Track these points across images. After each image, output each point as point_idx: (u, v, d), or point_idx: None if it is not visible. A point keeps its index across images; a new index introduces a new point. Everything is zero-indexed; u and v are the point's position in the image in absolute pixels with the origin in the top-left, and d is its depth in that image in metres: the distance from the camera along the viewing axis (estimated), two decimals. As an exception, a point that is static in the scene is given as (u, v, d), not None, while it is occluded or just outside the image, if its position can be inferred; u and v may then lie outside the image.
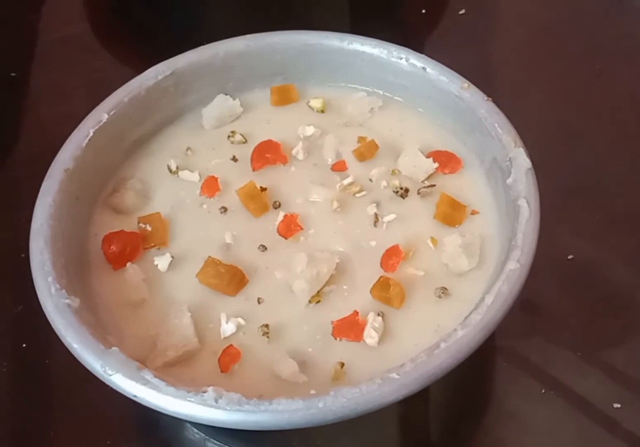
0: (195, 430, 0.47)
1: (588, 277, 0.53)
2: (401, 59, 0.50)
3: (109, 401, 0.38)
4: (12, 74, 0.68)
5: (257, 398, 0.36)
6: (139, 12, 0.74)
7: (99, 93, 0.52)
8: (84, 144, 0.46)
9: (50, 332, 0.39)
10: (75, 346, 0.38)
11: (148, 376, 0.37)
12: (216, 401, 0.36)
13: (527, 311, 0.50)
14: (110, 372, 0.37)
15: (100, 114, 0.47)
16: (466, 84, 0.48)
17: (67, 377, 0.46)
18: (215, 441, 0.46)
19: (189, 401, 0.36)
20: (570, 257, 0.53)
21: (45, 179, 0.44)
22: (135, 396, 0.36)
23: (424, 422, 0.49)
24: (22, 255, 0.52)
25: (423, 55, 0.50)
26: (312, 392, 0.37)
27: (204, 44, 0.51)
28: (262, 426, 0.36)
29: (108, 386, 0.37)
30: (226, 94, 0.52)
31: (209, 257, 0.44)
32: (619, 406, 0.47)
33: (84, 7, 0.74)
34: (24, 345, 0.50)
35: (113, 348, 0.38)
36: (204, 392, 0.36)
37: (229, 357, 0.41)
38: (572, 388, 0.48)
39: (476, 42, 0.69)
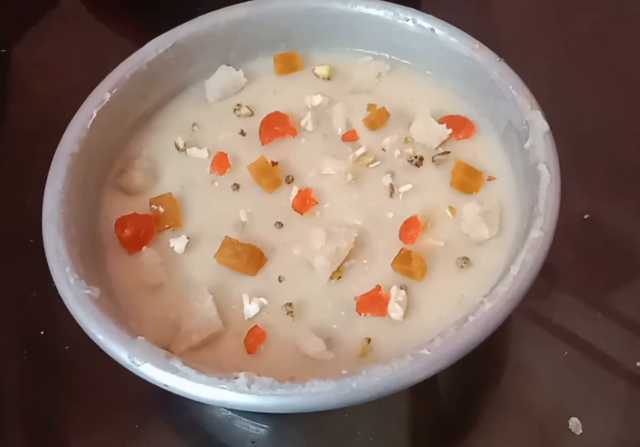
0: (222, 408, 0.47)
1: (605, 237, 0.52)
2: (408, 20, 0.48)
3: (135, 383, 0.37)
4: (2, 51, 0.65)
5: (289, 381, 0.36)
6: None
7: (95, 67, 0.51)
8: (89, 126, 0.44)
9: (67, 316, 0.39)
10: (100, 337, 0.37)
11: (177, 364, 0.36)
12: (249, 387, 0.35)
13: (544, 272, 0.50)
14: (138, 362, 0.36)
15: (103, 93, 0.46)
16: (477, 44, 0.47)
17: (89, 362, 0.45)
18: (243, 419, 0.46)
19: (222, 388, 0.35)
20: (586, 216, 0.53)
21: (52, 163, 0.43)
22: (166, 385, 0.36)
23: (445, 385, 0.50)
24: (31, 240, 0.52)
25: (431, 16, 0.48)
26: (344, 372, 0.37)
27: (200, 11, 0.49)
28: (296, 409, 0.36)
29: (135, 372, 0.37)
30: (229, 65, 0.50)
31: (226, 237, 0.43)
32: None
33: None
34: (42, 332, 0.50)
35: (139, 337, 0.37)
36: (236, 378, 0.36)
37: (254, 338, 0.41)
38: (595, 347, 0.48)
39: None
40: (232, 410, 0.47)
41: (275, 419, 0.46)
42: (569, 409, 0.47)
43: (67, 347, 0.49)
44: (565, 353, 0.48)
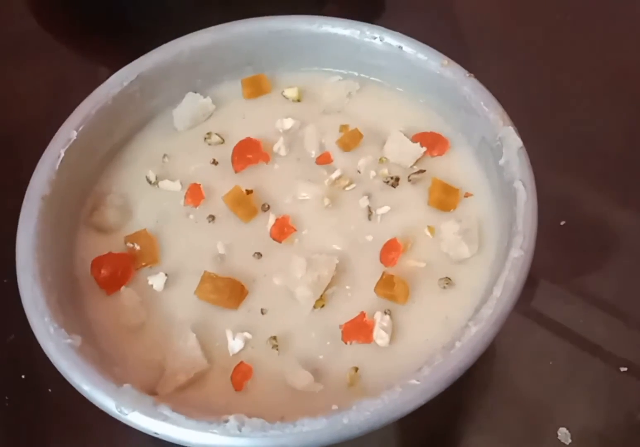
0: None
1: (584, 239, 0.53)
2: (375, 38, 0.48)
3: (124, 427, 0.37)
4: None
5: (280, 420, 0.35)
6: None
7: (60, 94, 0.49)
8: (57, 166, 0.43)
9: (48, 359, 0.38)
10: (85, 387, 0.37)
11: (166, 410, 0.36)
12: (239, 429, 0.35)
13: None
14: (126, 411, 0.36)
15: (69, 132, 0.45)
16: (446, 60, 0.46)
17: (74, 406, 0.44)
18: None
19: (212, 432, 0.35)
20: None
21: (23, 208, 0.42)
22: (156, 433, 0.36)
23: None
24: (5, 280, 0.51)
25: (398, 33, 0.48)
26: (334, 407, 0.36)
27: (165, 31, 0.48)
28: (289, 449, 0.36)
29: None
30: (195, 92, 0.50)
31: (205, 271, 0.42)
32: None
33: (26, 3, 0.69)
34: (22, 376, 0.49)
35: (125, 385, 0.37)
36: (226, 421, 0.35)
37: (240, 375, 0.40)
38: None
39: (429, 7, 0.66)
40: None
41: None
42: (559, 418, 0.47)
43: (50, 390, 0.48)
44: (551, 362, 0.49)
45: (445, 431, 0.48)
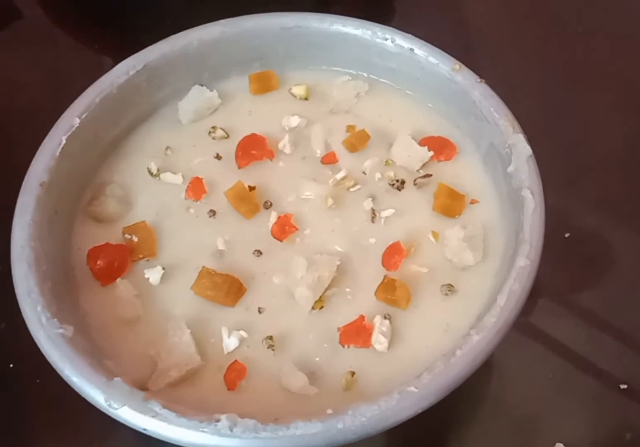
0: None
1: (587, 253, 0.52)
2: (387, 39, 0.47)
3: (113, 419, 0.36)
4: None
5: (273, 422, 0.35)
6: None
7: (61, 83, 0.48)
8: (58, 153, 0.43)
9: (39, 349, 0.37)
10: (74, 379, 0.36)
11: (156, 407, 0.35)
12: (231, 430, 0.34)
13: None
14: (115, 405, 0.35)
15: (72, 119, 0.44)
16: (457, 65, 0.46)
17: (62, 397, 0.43)
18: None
19: (203, 431, 0.34)
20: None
21: (20, 195, 0.41)
22: (145, 429, 0.35)
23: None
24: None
25: (410, 35, 0.47)
26: (329, 411, 0.35)
27: (169, 24, 0.47)
28: (281, 452, 0.35)
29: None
30: (202, 85, 0.49)
31: (203, 267, 0.42)
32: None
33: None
34: (11, 365, 0.48)
35: (116, 379, 0.36)
36: (217, 421, 0.34)
37: (234, 374, 0.39)
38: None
39: (446, 8, 0.66)
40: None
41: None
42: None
43: (38, 381, 0.47)
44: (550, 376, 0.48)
45: (439, 441, 0.48)
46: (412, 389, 0.35)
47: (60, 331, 0.37)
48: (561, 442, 0.46)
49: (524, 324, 0.51)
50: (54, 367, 0.37)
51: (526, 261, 0.39)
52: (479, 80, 0.45)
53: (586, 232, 0.54)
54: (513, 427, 0.48)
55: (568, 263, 0.53)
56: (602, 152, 0.57)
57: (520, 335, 0.50)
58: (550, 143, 0.54)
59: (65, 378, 0.36)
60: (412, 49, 0.47)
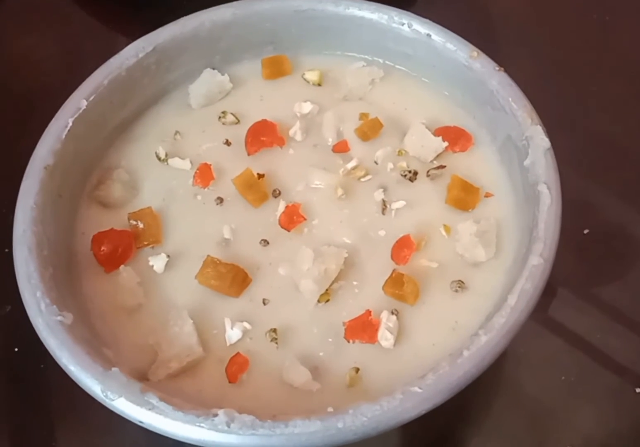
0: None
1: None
2: (403, 24, 0.46)
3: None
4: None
5: (271, 419, 0.34)
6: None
7: (74, 61, 0.47)
8: (64, 136, 0.42)
9: (41, 334, 0.37)
10: (72, 368, 0.35)
11: (153, 399, 0.34)
12: (228, 425, 0.33)
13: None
14: (112, 396, 0.34)
15: (79, 101, 0.43)
16: (475, 52, 0.44)
17: (66, 383, 0.43)
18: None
19: (199, 426, 0.33)
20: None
21: (24, 178, 0.41)
22: (141, 422, 0.34)
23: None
24: (6, 250, 0.49)
25: (427, 20, 0.46)
26: (330, 409, 0.34)
27: (185, 4, 0.46)
28: (278, 450, 0.34)
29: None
30: (213, 69, 0.48)
31: (208, 256, 0.41)
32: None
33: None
34: (16, 349, 0.47)
35: (113, 369, 0.35)
36: (215, 415, 0.34)
37: (236, 367, 0.39)
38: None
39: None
40: None
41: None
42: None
43: (42, 366, 0.47)
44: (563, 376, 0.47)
45: (450, 434, 0.47)
46: (416, 389, 0.34)
47: (59, 318, 0.36)
48: (576, 439, 0.45)
49: (542, 317, 0.49)
50: (52, 354, 0.36)
51: (539, 259, 0.37)
52: (497, 68, 0.43)
53: (608, 226, 0.53)
54: (525, 421, 0.46)
55: (587, 258, 0.52)
56: (624, 145, 0.55)
57: (541, 327, 0.49)
58: (570, 136, 0.53)
59: (62, 366, 0.36)
60: (429, 35, 0.45)
